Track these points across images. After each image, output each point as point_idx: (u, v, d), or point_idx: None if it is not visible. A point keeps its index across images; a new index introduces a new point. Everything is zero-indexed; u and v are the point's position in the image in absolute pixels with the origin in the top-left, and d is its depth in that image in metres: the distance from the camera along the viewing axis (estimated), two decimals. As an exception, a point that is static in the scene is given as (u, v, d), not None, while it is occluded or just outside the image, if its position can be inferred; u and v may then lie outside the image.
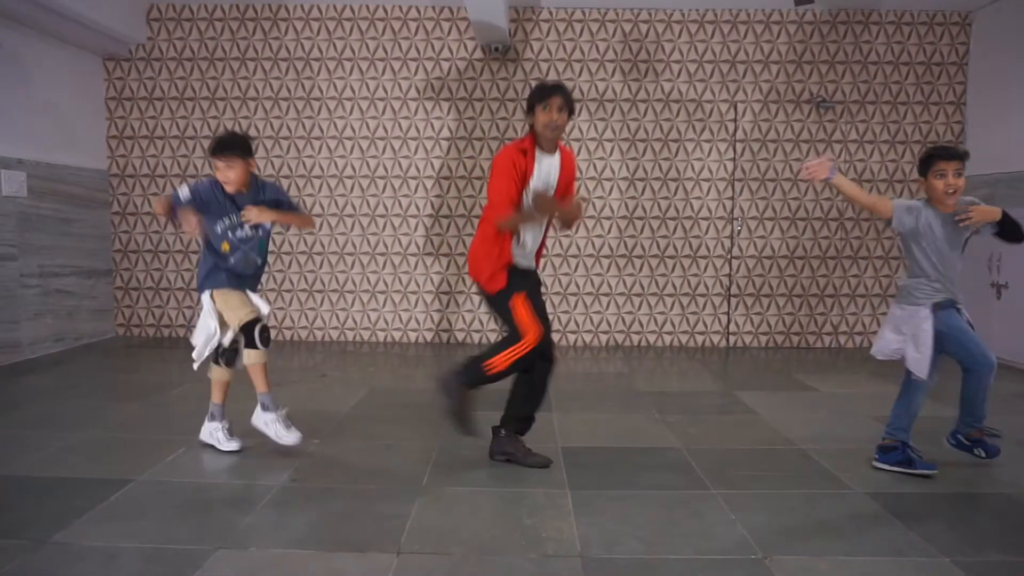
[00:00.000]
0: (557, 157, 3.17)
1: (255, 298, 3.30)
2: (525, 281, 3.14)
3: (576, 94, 6.24)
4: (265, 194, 3.26)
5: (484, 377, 3.10)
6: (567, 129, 6.19)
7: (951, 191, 2.93)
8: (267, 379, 3.29)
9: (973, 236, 3.11)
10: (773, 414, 4.11)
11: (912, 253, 3.08)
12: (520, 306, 3.07)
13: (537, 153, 3.11)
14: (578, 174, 6.27)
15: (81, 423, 3.75)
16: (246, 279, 3.31)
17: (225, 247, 3.20)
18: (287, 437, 3.27)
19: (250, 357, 3.25)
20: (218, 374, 3.36)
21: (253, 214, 3.16)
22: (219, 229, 3.19)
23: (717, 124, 6.31)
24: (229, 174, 3.12)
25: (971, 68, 6.24)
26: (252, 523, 2.58)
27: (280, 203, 3.30)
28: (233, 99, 6.33)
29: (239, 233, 3.21)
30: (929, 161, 2.99)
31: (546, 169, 3.14)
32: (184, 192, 3.14)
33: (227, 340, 3.28)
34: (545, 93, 3.06)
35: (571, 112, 3.12)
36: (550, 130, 3.06)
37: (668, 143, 6.32)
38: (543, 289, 3.48)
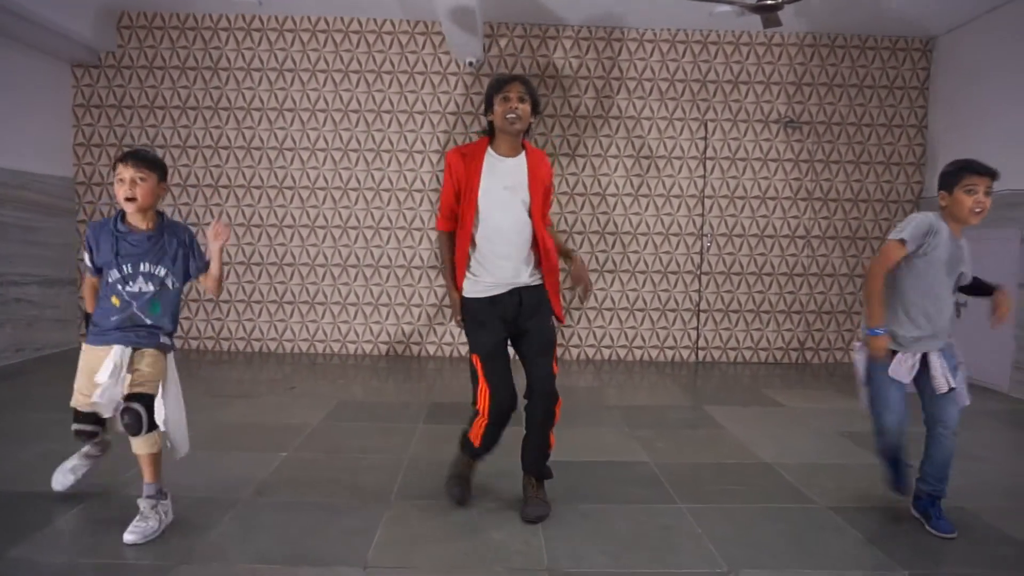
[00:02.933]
0: (522, 159, 2.78)
1: (109, 363, 2.52)
2: (483, 331, 2.72)
3: (549, 110, 6.31)
4: (176, 235, 2.65)
5: (474, 449, 2.85)
6: (540, 144, 6.26)
7: (978, 210, 2.59)
8: (149, 466, 2.58)
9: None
10: (741, 429, 4.15)
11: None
12: (477, 368, 2.71)
13: (490, 155, 2.76)
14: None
15: (39, 436, 3.66)
16: (127, 334, 2.58)
17: (114, 301, 2.58)
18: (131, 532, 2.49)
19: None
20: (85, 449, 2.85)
21: (220, 229, 2.66)
22: (110, 278, 2.59)
23: (687, 142, 6.41)
24: (136, 189, 2.53)
25: (932, 92, 6.43)
26: (216, 538, 2.54)
27: (189, 251, 2.68)
28: (204, 108, 6.28)
29: (133, 286, 2.58)
30: (960, 174, 2.62)
31: (504, 172, 2.75)
32: (85, 258, 2.67)
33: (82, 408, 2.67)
34: (503, 82, 2.74)
35: (535, 105, 2.77)
36: (510, 122, 2.70)
37: (639, 160, 6.39)
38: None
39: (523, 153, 2.82)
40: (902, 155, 6.48)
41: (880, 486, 3.23)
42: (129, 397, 2.53)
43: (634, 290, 6.47)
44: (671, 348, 6.53)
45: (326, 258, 6.38)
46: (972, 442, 3.97)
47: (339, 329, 6.42)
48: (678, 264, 6.47)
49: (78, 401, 2.66)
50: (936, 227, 2.61)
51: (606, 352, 6.50)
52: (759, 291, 6.50)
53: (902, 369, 2.66)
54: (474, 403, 2.76)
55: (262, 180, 6.33)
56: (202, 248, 2.73)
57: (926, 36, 6.40)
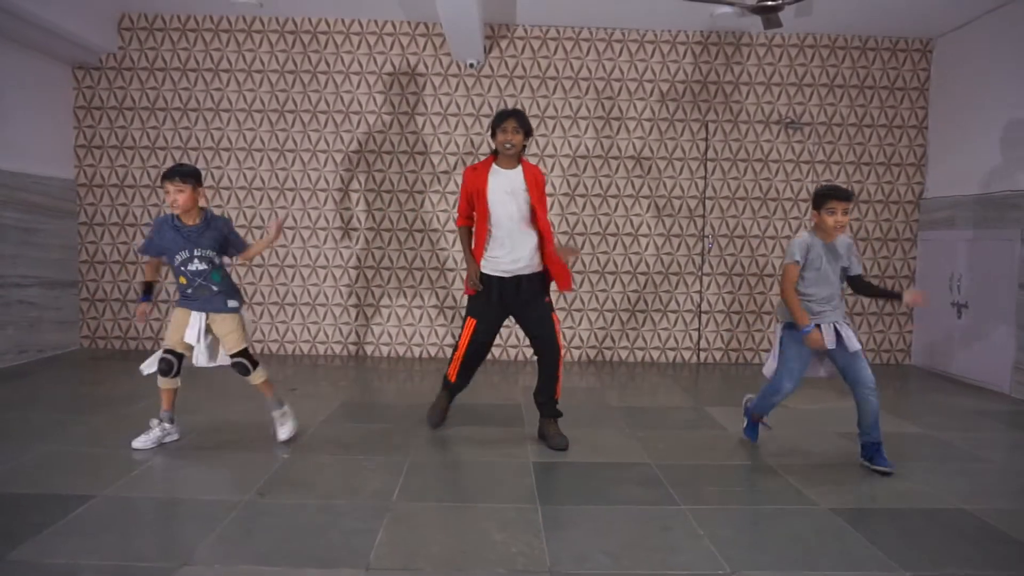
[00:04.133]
0: (519, 171, 3.74)
1: (194, 328, 3.56)
2: (485, 307, 3.77)
3: (550, 111, 6.32)
4: (215, 227, 3.59)
5: (450, 384, 3.99)
6: (541, 145, 6.28)
7: (839, 227, 3.43)
8: (265, 389, 3.74)
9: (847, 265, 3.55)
10: (743, 430, 4.15)
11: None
12: (465, 327, 3.84)
13: (494, 168, 3.74)
14: (551, 189, 6.34)
15: (43, 436, 3.67)
16: (210, 301, 3.58)
17: (181, 280, 3.55)
18: (280, 432, 3.73)
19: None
20: (159, 382, 3.62)
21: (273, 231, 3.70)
22: (175, 263, 3.53)
23: (688, 143, 6.42)
24: (178, 197, 3.45)
25: (932, 93, 6.43)
26: (218, 539, 2.55)
27: (228, 237, 3.62)
28: (206, 110, 6.29)
29: (191, 267, 3.52)
30: (823, 199, 3.45)
31: (505, 180, 3.71)
32: (143, 243, 3.64)
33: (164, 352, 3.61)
34: (502, 117, 3.70)
35: (527, 132, 3.72)
36: (505, 148, 3.67)
37: (640, 161, 6.40)
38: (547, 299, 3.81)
39: (519, 167, 3.76)
40: (903, 156, 6.48)
41: (882, 486, 3.25)
42: (233, 355, 3.63)
43: (635, 292, 6.47)
44: (672, 349, 6.53)
45: (327, 259, 6.39)
46: (973, 443, 3.98)
47: (340, 331, 6.43)
48: (679, 266, 6.48)
49: (168, 343, 3.61)
50: (810, 243, 3.48)
51: (607, 353, 6.51)
52: (760, 292, 6.51)
53: (828, 337, 3.42)
54: (457, 339, 3.88)
55: (263, 181, 6.34)
56: (239, 235, 3.70)
57: (926, 37, 6.40)
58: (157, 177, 6.28)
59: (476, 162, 3.87)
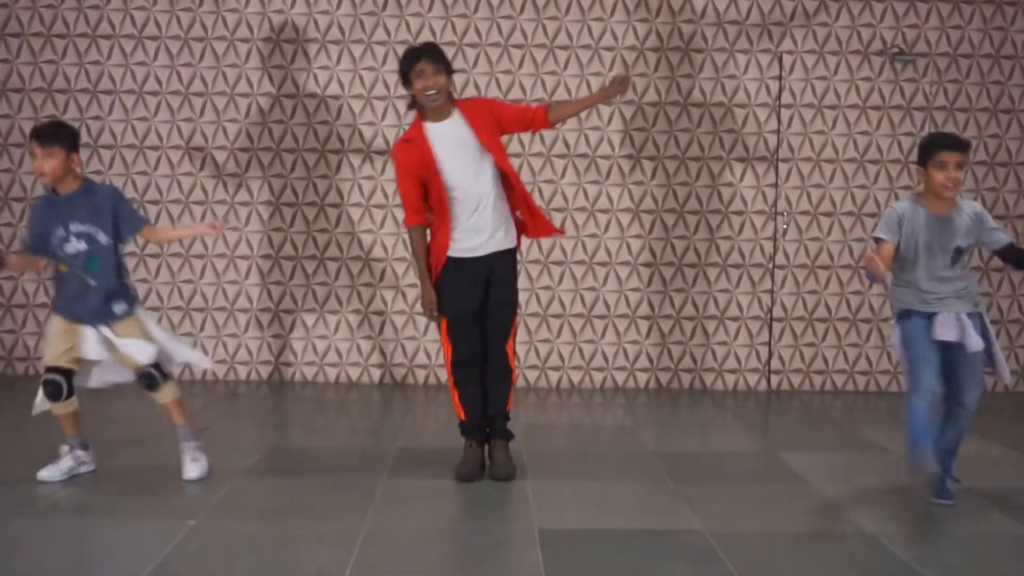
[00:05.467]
0: (457, 116, 3.88)
1: (90, 339, 3.78)
2: (454, 295, 3.94)
3: (606, 39, 6.31)
4: (97, 194, 3.83)
5: (462, 423, 4.13)
6: (550, 86, 6.28)
7: (952, 185, 3.59)
8: (176, 412, 4.00)
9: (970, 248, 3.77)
10: (830, 485, 4.16)
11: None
12: (442, 328, 4.04)
13: (427, 127, 3.86)
14: (564, 150, 6.33)
15: None
16: (86, 305, 3.79)
17: (62, 268, 3.79)
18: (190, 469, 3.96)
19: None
20: (53, 408, 3.84)
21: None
22: (53, 245, 3.76)
23: (755, 83, 6.43)
24: (45, 165, 3.66)
25: (1098, 12, 6.46)
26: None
27: (115, 208, 3.82)
28: (77, 36, 6.27)
29: (68, 248, 3.74)
30: (929, 150, 3.64)
31: (445, 135, 3.84)
32: (26, 237, 3.92)
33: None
34: (412, 57, 3.80)
35: (449, 69, 3.85)
36: (431, 99, 3.79)
37: (688, 108, 6.41)
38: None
39: (456, 110, 3.89)
40: (1057, 100, 6.51)
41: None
42: (137, 368, 3.81)
43: (680, 291, 6.48)
44: (732, 371, 6.55)
45: (251, 248, 6.39)
46: None
47: (269, 346, 6.43)
48: (742, 254, 6.49)
49: (46, 359, 3.83)
50: (907, 214, 3.67)
51: (641, 377, 6.52)
52: (855, 292, 6.52)
53: (948, 329, 3.59)
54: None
55: (161, 139, 6.34)
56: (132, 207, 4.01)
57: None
58: (8, 131, 6.28)
59: (403, 132, 4.12)
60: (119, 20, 6.30)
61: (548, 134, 6.25)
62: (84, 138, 6.23)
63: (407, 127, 4.26)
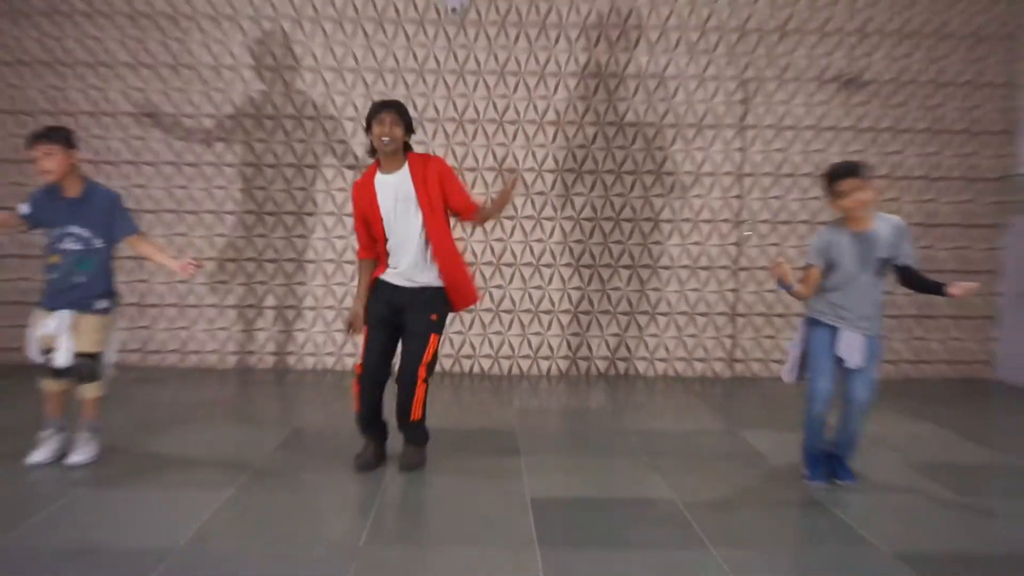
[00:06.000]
0: (405, 171, 3.87)
1: (56, 322, 3.76)
2: (376, 307, 3.91)
3: (551, 67, 6.36)
4: (98, 199, 3.84)
5: (357, 415, 3.96)
6: (540, 110, 6.29)
7: (862, 205, 3.59)
8: (91, 408, 3.94)
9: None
10: (786, 459, 4.21)
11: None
12: (363, 337, 3.95)
13: (378, 177, 3.90)
14: (554, 164, 6.35)
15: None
16: (70, 296, 3.79)
17: (53, 258, 3.79)
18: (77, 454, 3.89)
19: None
20: (45, 385, 3.89)
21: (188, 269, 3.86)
22: (50, 236, 3.79)
23: (722, 107, 6.45)
24: (46, 163, 3.68)
25: (1024, 45, 6.49)
26: (146, 594, 2.59)
27: (112, 213, 3.85)
28: (81, 65, 6.27)
29: (62, 245, 3.77)
30: (831, 182, 3.65)
31: (388, 188, 3.86)
32: (24, 207, 3.82)
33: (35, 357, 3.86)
34: (378, 108, 3.83)
35: (407, 126, 3.88)
36: (384, 144, 3.80)
37: (663, 129, 6.43)
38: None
39: (405, 165, 3.89)
40: (989, 122, 6.53)
41: (961, 528, 3.30)
42: (80, 354, 3.76)
43: (656, 289, 6.52)
44: (701, 360, 6.58)
45: (276, 252, 6.40)
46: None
47: (295, 339, 6.45)
48: (709, 258, 6.53)
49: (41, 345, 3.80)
50: (831, 240, 3.68)
51: (621, 366, 6.56)
52: (811, 290, 6.55)
53: (851, 345, 3.65)
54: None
55: (155, 155, 6.34)
56: (128, 214, 3.95)
57: (1017, -25, 6.46)
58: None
59: (362, 176, 4.02)
60: (117, 49, 6.30)
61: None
62: (87, 153, 6.24)
63: None
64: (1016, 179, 6.47)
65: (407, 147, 3.95)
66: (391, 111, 3.82)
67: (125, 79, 6.28)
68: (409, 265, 3.86)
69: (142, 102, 6.27)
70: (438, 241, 3.86)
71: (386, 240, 3.90)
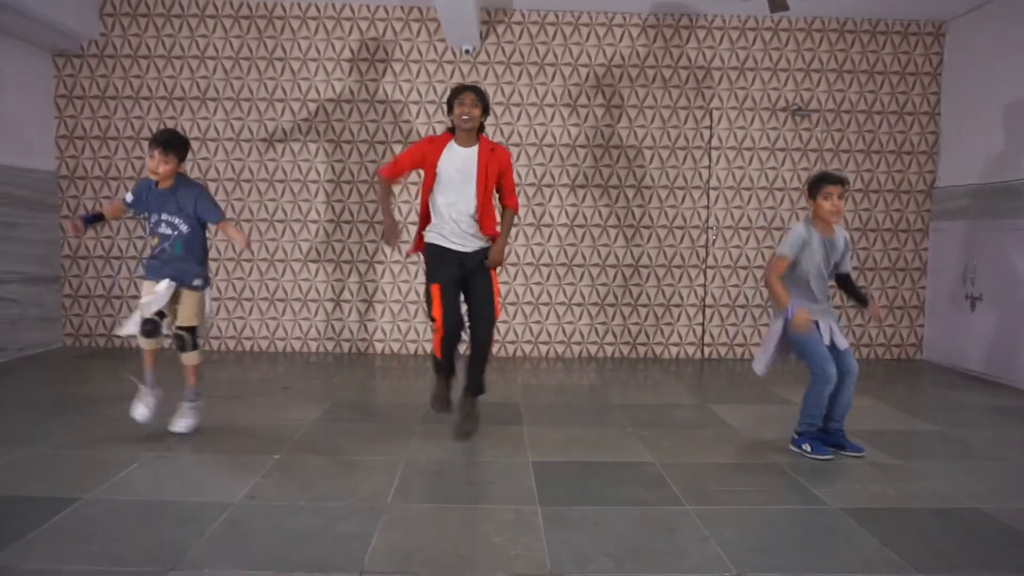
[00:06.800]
0: (475, 150, 3.76)
1: (162, 287, 3.66)
2: (443, 269, 3.74)
3: (548, 99, 6.30)
4: (185, 190, 3.73)
5: (437, 360, 3.88)
6: (540, 134, 6.25)
7: (836, 212, 3.52)
8: (192, 374, 3.82)
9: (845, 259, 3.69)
10: (749, 428, 4.15)
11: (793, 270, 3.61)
12: (433, 297, 3.72)
13: (451, 144, 3.78)
14: (550, 180, 6.32)
15: (25, 438, 3.65)
16: (167, 268, 3.71)
17: (154, 240, 3.75)
18: (180, 423, 3.80)
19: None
20: (143, 343, 3.75)
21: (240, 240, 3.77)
22: (151, 223, 3.75)
23: (692, 131, 6.40)
24: (160, 168, 3.63)
25: (945, 78, 6.41)
26: (206, 543, 2.53)
27: (196, 202, 3.72)
28: (191, 99, 6.26)
29: (161, 229, 3.72)
30: (817, 184, 3.56)
31: (458, 157, 3.75)
32: (128, 197, 3.81)
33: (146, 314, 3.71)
34: (460, 90, 3.75)
35: (485, 108, 3.77)
36: (464, 122, 3.70)
37: (642, 150, 6.38)
38: (501, 273, 3.96)
39: (476, 146, 3.78)
40: (914, 143, 6.47)
41: (894, 485, 3.25)
42: (179, 328, 3.74)
43: (637, 285, 6.46)
44: (676, 345, 6.52)
45: (319, 254, 6.37)
46: (988, 440, 3.98)
47: (333, 327, 6.41)
48: (683, 258, 6.47)
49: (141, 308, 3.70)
50: (807, 238, 3.55)
51: (608, 349, 6.50)
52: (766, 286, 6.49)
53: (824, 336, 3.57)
54: (429, 314, 3.77)
55: (252, 173, 6.31)
56: (212, 202, 3.81)
57: (938, 20, 6.38)
58: (141, 168, 6.25)
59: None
60: (221, 86, 6.26)
61: (539, 168, 6.29)
62: (195, 173, 6.23)
63: None
64: (937, 191, 6.41)
65: (481, 128, 3.84)
66: (471, 93, 3.72)
67: (227, 110, 6.25)
68: (459, 227, 3.75)
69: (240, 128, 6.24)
70: (483, 212, 3.77)
71: (432, 200, 3.80)
